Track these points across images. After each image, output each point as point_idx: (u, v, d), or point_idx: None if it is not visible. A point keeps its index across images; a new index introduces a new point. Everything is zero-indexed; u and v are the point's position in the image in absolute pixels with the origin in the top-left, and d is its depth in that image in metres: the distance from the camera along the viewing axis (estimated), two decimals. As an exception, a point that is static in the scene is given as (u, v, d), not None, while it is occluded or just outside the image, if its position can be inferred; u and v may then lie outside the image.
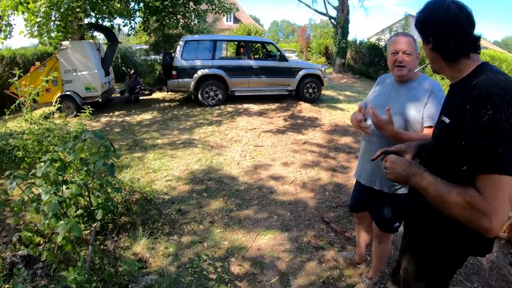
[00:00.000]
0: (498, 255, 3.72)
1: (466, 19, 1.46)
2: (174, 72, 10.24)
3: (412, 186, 1.57)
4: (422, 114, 2.27)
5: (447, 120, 1.49)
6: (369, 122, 2.47)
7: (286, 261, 3.49)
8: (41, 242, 3.65)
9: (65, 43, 9.78)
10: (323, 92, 11.78)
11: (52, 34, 9.59)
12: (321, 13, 21.60)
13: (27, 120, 4.51)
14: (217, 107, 10.41)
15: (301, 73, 10.99)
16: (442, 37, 1.49)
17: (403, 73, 2.34)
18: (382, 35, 33.62)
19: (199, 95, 10.42)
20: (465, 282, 3.23)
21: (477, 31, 1.49)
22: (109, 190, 3.44)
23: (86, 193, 2.69)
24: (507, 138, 1.24)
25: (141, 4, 12.00)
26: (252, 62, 10.78)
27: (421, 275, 1.77)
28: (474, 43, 1.48)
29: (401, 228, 2.42)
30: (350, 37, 21.80)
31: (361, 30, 64.67)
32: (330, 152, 6.57)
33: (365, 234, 3.12)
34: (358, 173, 2.76)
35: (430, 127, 2.21)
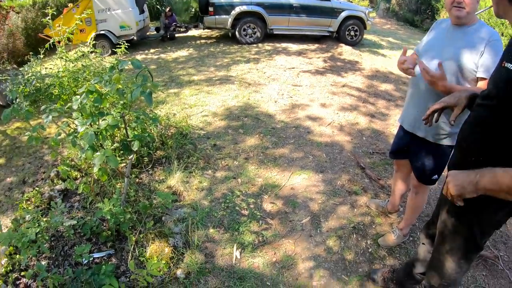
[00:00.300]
0: None
1: None
2: (211, 9, 9.95)
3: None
4: (477, 63, 2.09)
5: None
6: (416, 68, 2.32)
7: (319, 202, 3.46)
8: (78, 176, 3.74)
9: None
10: (365, 36, 11.23)
11: None
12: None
13: (62, 58, 4.48)
14: (255, 45, 10.13)
15: (343, 14, 10.45)
16: None
17: (462, 14, 2.12)
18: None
19: (237, 33, 10.14)
20: (491, 248, 3.11)
21: None
22: (146, 123, 3.43)
23: (123, 125, 2.65)
24: None
25: None
26: (292, 0, 10.32)
27: (459, 230, 1.68)
28: None
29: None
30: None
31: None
32: (369, 97, 6.33)
33: (402, 183, 3.00)
34: (403, 117, 2.62)
35: (485, 79, 2.05)
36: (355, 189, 3.68)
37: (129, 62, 2.35)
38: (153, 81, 2.41)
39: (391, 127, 5.12)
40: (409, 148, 2.61)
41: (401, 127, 2.68)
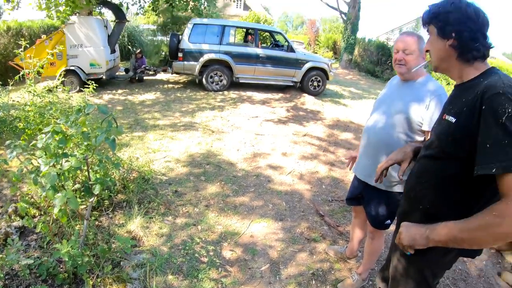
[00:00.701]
0: (487, 263, 3.75)
1: (488, 24, 1.48)
2: (180, 54, 10.19)
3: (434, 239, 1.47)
4: (423, 116, 2.29)
5: (452, 119, 1.48)
6: (369, 121, 2.58)
7: (278, 250, 3.52)
8: (37, 214, 3.68)
9: (73, 18, 9.72)
10: (327, 86, 11.74)
11: (60, 8, 9.52)
12: (332, 7, 21.46)
13: (30, 91, 4.50)
14: (220, 93, 10.39)
15: (307, 65, 10.94)
16: (468, 36, 1.48)
17: (402, 70, 2.39)
18: (391, 35, 33.48)
19: (204, 79, 10.39)
20: (452, 286, 3.26)
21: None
22: (108, 166, 3.45)
23: (85, 167, 2.69)
24: None
25: (153, -17, 11.92)
26: (259, 50, 10.72)
27: (410, 274, 1.77)
28: (489, 49, 1.49)
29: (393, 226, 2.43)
30: (359, 34, 21.69)
31: (371, 28, 64.18)
32: (330, 146, 6.57)
33: (359, 229, 3.14)
34: (356, 167, 2.80)
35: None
36: (314, 236, 3.77)
37: (95, 107, 2.43)
38: (117, 127, 2.48)
39: (350, 175, 5.30)
40: (363, 195, 2.75)
41: (355, 176, 2.85)
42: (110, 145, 2.30)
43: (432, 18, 1.58)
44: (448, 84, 14.18)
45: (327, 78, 11.26)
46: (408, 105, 2.36)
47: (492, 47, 1.49)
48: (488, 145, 1.29)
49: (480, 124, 1.33)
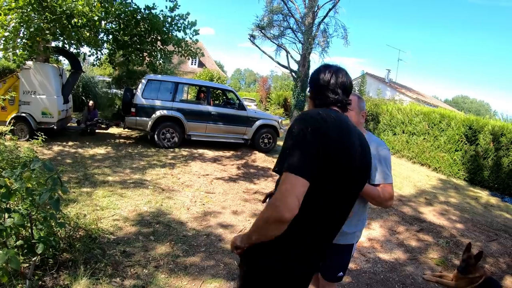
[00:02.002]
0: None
1: (335, 84, 1.90)
2: (133, 110, 10.25)
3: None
4: (373, 176, 2.45)
5: None
6: None
7: (228, 312, 3.50)
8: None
9: (29, 63, 9.64)
10: (278, 143, 12.08)
11: (18, 51, 9.39)
12: (283, 66, 22.48)
13: (-24, 136, 4.38)
14: (172, 150, 10.45)
15: (258, 123, 11.29)
16: (315, 91, 1.99)
17: None
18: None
19: (155, 136, 10.43)
20: None
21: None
22: (53, 224, 3.36)
23: (29, 225, 2.63)
24: (293, 144, 1.63)
25: (110, 37, 12.03)
26: (211, 108, 10.97)
27: None
28: (337, 103, 1.90)
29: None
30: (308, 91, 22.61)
31: (321, 86, 66.67)
32: (280, 204, 6.67)
33: (313, 285, 3.16)
34: None
35: (384, 184, 2.43)
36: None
37: (41, 163, 2.43)
38: (62, 186, 2.48)
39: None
40: None
41: None
42: (53, 205, 2.30)
43: None
44: (395, 134, 14.95)
45: (278, 135, 11.64)
46: None
47: (340, 101, 1.91)
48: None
49: None
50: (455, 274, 4.41)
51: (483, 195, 10.53)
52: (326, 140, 1.61)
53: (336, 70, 1.93)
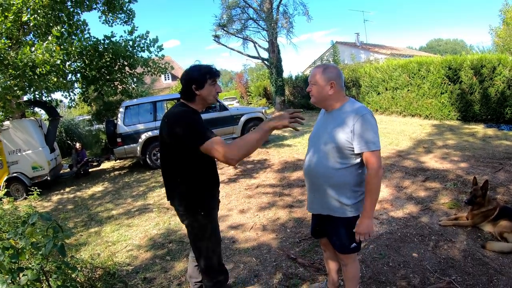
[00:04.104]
0: (468, 242, 4.01)
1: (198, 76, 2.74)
2: (119, 140, 10.25)
3: None
4: (350, 140, 2.43)
5: None
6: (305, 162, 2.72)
7: (260, 307, 3.51)
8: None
9: (6, 123, 9.61)
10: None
11: None
12: (254, 57, 22.47)
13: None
14: (167, 167, 10.35)
15: (242, 119, 11.31)
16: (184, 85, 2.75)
17: (312, 100, 2.72)
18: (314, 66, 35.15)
19: (147, 159, 10.42)
20: (442, 277, 3.39)
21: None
22: (68, 271, 3.35)
23: (44, 278, 2.63)
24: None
25: (78, 75, 12.01)
26: (195, 117, 10.90)
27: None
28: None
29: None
30: (285, 74, 22.69)
31: (295, 65, 66.83)
32: (284, 189, 6.72)
33: (333, 261, 3.13)
34: (308, 205, 2.89)
35: (367, 151, 2.40)
36: (293, 281, 3.76)
37: (38, 216, 2.42)
38: (63, 232, 2.47)
39: (311, 211, 5.42)
40: (322, 227, 2.84)
41: (312, 214, 2.95)
42: (59, 252, 2.29)
43: None
44: (379, 94, 14.96)
45: (265, 125, 11.58)
46: (332, 134, 2.52)
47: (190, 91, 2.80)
48: None
49: None
50: (469, 212, 4.43)
51: (479, 129, 10.61)
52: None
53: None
